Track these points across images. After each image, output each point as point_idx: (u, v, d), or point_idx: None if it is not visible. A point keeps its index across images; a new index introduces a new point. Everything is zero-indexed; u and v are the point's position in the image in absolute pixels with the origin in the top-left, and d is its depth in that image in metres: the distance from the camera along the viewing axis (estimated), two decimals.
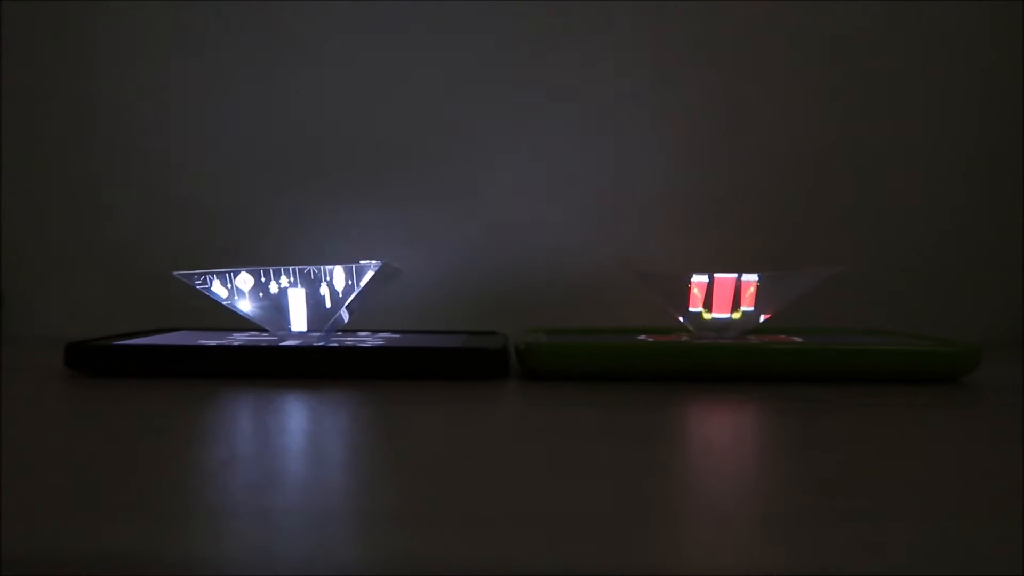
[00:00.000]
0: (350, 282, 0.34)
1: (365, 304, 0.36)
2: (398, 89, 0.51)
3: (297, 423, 0.24)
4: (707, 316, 0.36)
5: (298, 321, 0.35)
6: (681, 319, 0.37)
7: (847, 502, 0.15)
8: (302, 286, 0.35)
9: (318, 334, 0.35)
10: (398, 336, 0.38)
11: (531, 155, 0.51)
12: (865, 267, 0.50)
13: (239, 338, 0.36)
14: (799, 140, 0.51)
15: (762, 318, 0.36)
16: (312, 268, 0.34)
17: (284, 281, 0.35)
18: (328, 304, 0.35)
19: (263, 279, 0.34)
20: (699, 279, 0.36)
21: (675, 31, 0.50)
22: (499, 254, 0.51)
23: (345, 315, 0.36)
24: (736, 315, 0.36)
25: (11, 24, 0.51)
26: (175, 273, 0.35)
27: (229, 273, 0.34)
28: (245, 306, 0.35)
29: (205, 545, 0.13)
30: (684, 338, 0.36)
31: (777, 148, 0.51)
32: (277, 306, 0.35)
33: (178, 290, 0.35)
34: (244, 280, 0.34)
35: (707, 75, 0.51)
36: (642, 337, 0.36)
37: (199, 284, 0.34)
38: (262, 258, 0.47)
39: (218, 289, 0.34)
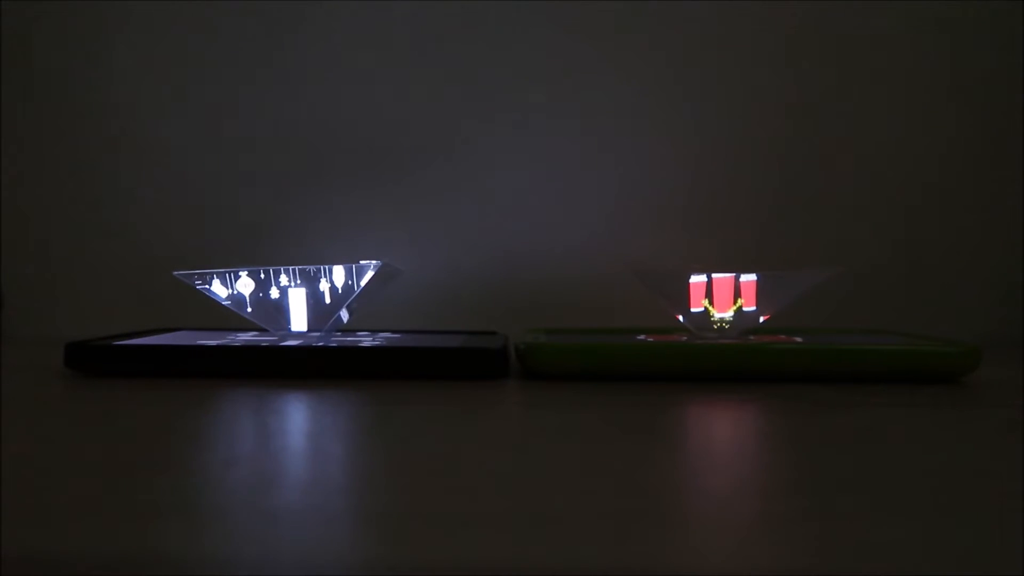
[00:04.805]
0: (350, 282, 0.34)
1: (365, 304, 0.36)
2: (398, 89, 0.51)
3: (297, 423, 0.24)
4: (712, 312, 0.36)
5: (298, 321, 0.35)
6: (681, 319, 0.37)
7: (847, 502, 0.15)
8: (302, 286, 0.35)
9: (318, 334, 0.35)
10: (398, 336, 0.38)
11: (532, 155, 0.51)
12: (865, 267, 0.50)
13: (239, 338, 0.36)
14: (800, 140, 0.51)
15: (762, 318, 0.36)
16: (312, 268, 0.34)
17: (284, 281, 0.35)
18: (328, 304, 0.35)
19: (263, 279, 0.34)
20: (698, 279, 0.36)
21: (676, 32, 0.50)
22: (499, 254, 0.51)
23: (345, 315, 0.36)
24: (736, 304, 0.36)
25: (12, 22, 0.51)
26: (175, 273, 0.35)
27: (229, 273, 0.34)
28: (245, 306, 0.35)
29: (205, 545, 0.13)
30: (684, 338, 0.36)
31: (777, 148, 0.51)
32: (277, 306, 0.35)
33: (178, 290, 0.36)
34: (244, 280, 0.35)
35: (707, 74, 0.51)
36: (642, 337, 0.36)
37: (199, 284, 0.34)
38: (262, 258, 0.47)
39: (218, 289, 0.34)
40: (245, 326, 0.39)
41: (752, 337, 0.36)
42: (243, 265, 0.35)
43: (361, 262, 0.34)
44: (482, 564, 0.12)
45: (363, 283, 0.34)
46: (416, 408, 0.26)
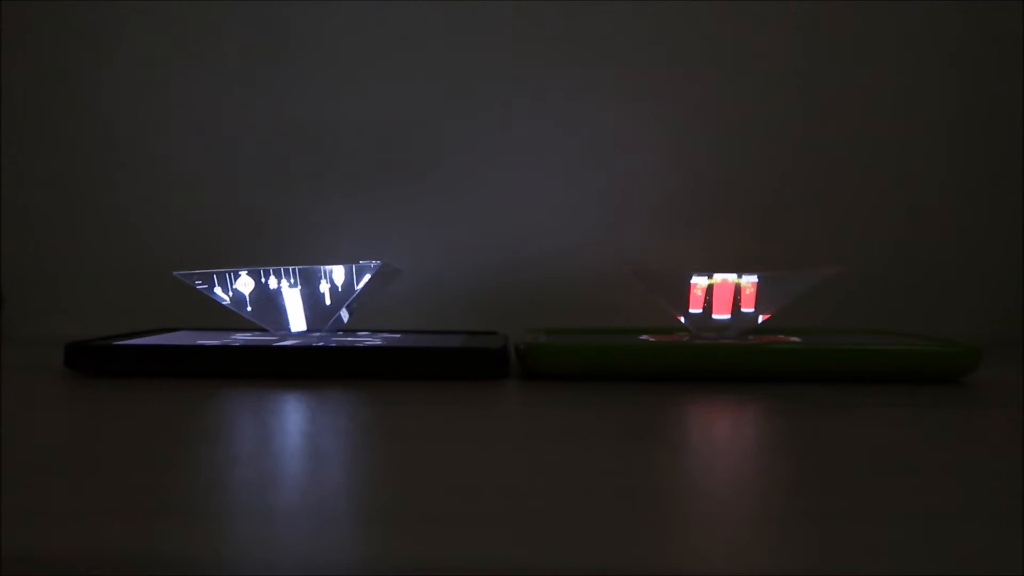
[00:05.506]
0: (350, 282, 0.34)
1: (365, 304, 0.36)
2: (398, 89, 0.51)
3: (297, 423, 0.24)
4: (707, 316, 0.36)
5: (298, 321, 0.35)
6: (681, 319, 0.37)
7: (847, 502, 0.15)
8: (302, 286, 0.35)
9: (318, 334, 0.35)
10: (398, 336, 0.38)
11: (531, 155, 0.51)
12: (865, 267, 0.50)
13: (239, 338, 0.36)
14: (799, 140, 0.51)
15: (761, 318, 0.36)
16: (312, 268, 0.34)
17: (284, 281, 0.35)
18: (328, 304, 0.35)
19: (263, 279, 0.34)
20: (698, 279, 0.36)
21: (676, 32, 0.50)
22: (499, 254, 0.51)
23: (345, 315, 0.36)
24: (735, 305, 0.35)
25: (12, 23, 0.51)
26: (175, 273, 0.35)
27: (229, 273, 0.34)
28: (245, 306, 0.35)
29: (205, 545, 0.13)
30: (684, 338, 0.36)
31: (777, 148, 0.51)
32: (277, 306, 0.35)
33: (178, 290, 0.36)
34: (244, 281, 0.35)
35: (707, 74, 0.51)
36: (643, 337, 0.36)
37: (199, 284, 0.34)
38: (262, 258, 0.47)
39: (218, 289, 0.34)
40: (245, 326, 0.39)
41: (752, 337, 0.36)
42: (243, 265, 0.35)
43: (361, 262, 0.34)
44: (482, 564, 0.12)
45: (363, 283, 0.34)
46: (416, 408, 0.26)
